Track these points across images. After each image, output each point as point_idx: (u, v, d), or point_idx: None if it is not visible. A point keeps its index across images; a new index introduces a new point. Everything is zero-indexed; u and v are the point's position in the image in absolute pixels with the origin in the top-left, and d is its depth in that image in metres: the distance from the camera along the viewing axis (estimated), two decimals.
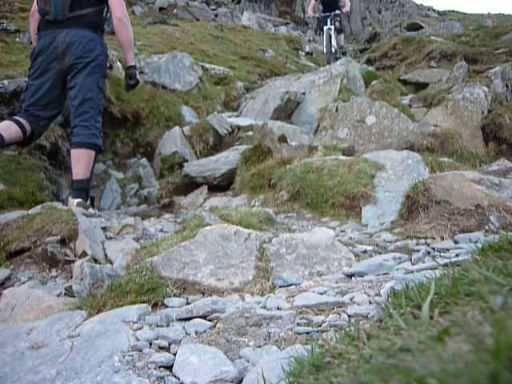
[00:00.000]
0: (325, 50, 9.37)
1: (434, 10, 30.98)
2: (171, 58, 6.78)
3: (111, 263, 2.28)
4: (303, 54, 13.27)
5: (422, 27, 18.42)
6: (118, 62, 5.79)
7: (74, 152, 3.14)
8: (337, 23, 9.44)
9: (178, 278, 1.85)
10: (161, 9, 14.53)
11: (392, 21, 26.20)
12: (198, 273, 1.88)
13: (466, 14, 29.51)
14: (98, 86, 3.27)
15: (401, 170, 3.39)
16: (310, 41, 15.88)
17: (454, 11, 31.36)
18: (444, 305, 0.69)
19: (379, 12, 28.26)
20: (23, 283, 2.18)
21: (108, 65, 5.36)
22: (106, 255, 2.40)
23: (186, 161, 4.97)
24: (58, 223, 2.45)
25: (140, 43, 8.13)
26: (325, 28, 9.35)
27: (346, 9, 9.90)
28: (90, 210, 2.98)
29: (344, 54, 10.39)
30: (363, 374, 0.52)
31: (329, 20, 9.37)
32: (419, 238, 2.29)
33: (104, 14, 3.40)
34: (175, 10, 14.68)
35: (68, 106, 3.39)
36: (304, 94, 6.37)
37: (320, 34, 10.15)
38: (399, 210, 2.73)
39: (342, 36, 10.45)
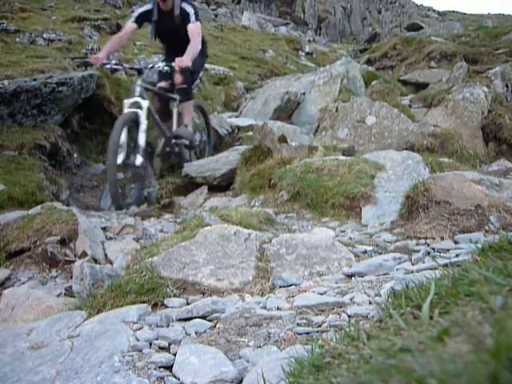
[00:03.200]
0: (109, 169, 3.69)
1: (433, 11, 31.01)
2: None
3: (111, 263, 2.28)
4: (303, 54, 13.29)
5: (421, 27, 18.46)
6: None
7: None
8: (158, 103, 4.50)
9: (178, 278, 1.85)
10: None
11: (392, 21, 26.21)
12: (197, 273, 1.88)
13: (465, 14, 29.56)
14: None
15: (401, 170, 3.39)
16: (310, 41, 15.90)
17: (454, 11, 31.40)
18: (444, 305, 0.69)
19: (379, 12, 28.27)
20: (23, 283, 2.18)
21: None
22: (106, 255, 2.40)
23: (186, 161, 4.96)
24: (58, 223, 2.45)
25: (140, 43, 8.13)
26: (125, 103, 3.98)
27: (184, 63, 3.96)
28: None
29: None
30: (363, 375, 0.52)
31: (137, 84, 4.06)
32: (419, 238, 2.29)
33: None
34: None
35: None
36: (304, 94, 6.37)
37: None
38: (399, 210, 2.73)
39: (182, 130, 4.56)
